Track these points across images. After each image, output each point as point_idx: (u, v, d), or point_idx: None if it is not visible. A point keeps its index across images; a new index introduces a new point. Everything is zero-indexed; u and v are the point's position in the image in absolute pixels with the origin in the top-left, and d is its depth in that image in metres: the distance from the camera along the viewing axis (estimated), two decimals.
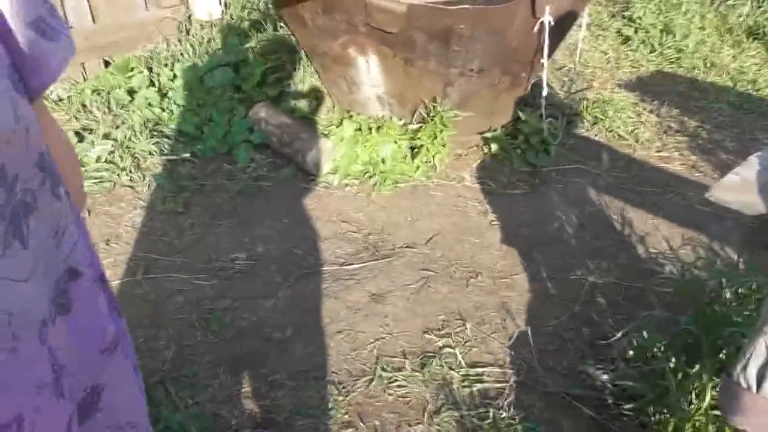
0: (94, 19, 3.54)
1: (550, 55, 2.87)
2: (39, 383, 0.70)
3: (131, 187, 2.78)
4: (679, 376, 1.58)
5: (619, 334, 1.87)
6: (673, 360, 1.60)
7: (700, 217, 2.69)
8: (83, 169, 2.81)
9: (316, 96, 3.33)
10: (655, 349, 1.69)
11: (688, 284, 1.73)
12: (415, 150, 2.96)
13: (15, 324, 0.64)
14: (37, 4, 0.69)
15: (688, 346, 1.62)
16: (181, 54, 3.64)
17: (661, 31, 4.32)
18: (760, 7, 4.59)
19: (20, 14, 0.66)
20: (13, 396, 0.67)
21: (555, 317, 2.18)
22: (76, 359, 0.79)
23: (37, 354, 0.69)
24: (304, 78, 3.36)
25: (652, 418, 1.65)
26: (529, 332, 2.09)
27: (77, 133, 3.02)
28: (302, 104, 3.26)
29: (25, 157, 0.65)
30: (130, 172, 2.83)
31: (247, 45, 3.60)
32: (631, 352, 1.88)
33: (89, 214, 2.60)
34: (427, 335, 2.08)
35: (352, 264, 2.42)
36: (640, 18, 4.44)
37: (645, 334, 1.75)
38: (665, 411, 1.59)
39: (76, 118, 3.20)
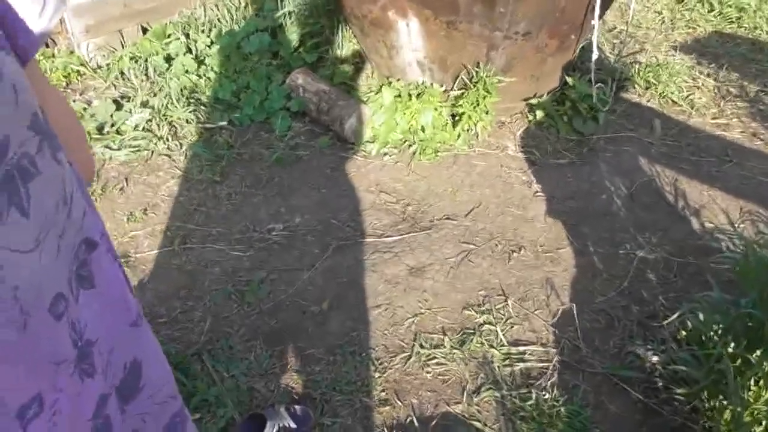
0: None
1: (601, 16, 2.71)
2: (57, 360, 0.66)
3: (168, 155, 2.76)
4: (738, 361, 1.48)
5: (675, 316, 1.77)
6: (732, 344, 1.50)
7: (760, 189, 2.53)
8: (121, 137, 2.80)
9: (354, 62, 3.24)
10: (711, 332, 1.58)
11: (750, 263, 1.61)
12: (457, 117, 2.86)
13: (23, 298, 0.60)
14: None
15: (749, 330, 1.51)
16: (218, 19, 3.57)
17: None
18: None
19: None
20: (29, 375, 0.63)
21: (602, 294, 2.08)
22: (108, 334, 0.76)
23: (51, 330, 0.65)
24: (343, 43, 3.27)
25: (706, 405, 1.56)
26: (575, 309, 2.00)
27: (115, 101, 3.00)
28: (340, 70, 3.17)
29: (15, 117, 0.60)
30: (168, 140, 2.81)
31: (285, 9, 3.51)
32: (683, 334, 1.78)
33: (127, 183, 2.59)
34: (467, 311, 2.02)
35: (391, 236, 2.36)
36: None
37: (701, 315, 1.65)
38: (721, 398, 1.50)
39: (114, 85, 3.19)
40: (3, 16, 0.64)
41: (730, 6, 3.93)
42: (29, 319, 0.61)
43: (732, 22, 3.87)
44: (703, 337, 1.64)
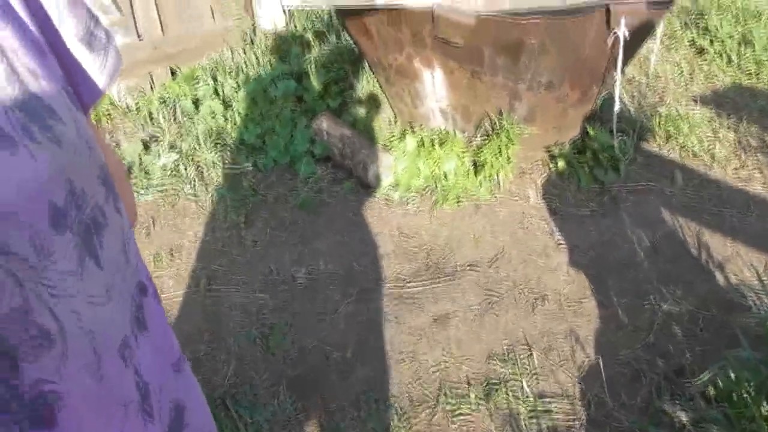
0: (162, 30, 3.61)
1: (623, 69, 2.75)
2: (125, 403, 0.68)
3: (195, 197, 2.80)
4: None
5: (705, 374, 1.75)
6: (765, 404, 1.48)
7: None
8: (149, 178, 2.85)
9: (377, 108, 3.29)
10: (743, 391, 1.57)
11: None
12: (479, 165, 2.89)
13: (97, 344, 0.62)
14: (85, 16, 0.68)
15: None
16: (245, 64, 3.67)
17: (739, 42, 4.10)
18: None
19: (70, 27, 0.66)
20: (103, 418, 0.65)
21: (627, 347, 2.07)
22: (158, 376, 0.78)
23: (120, 374, 0.67)
24: (366, 90, 3.34)
25: None
26: (601, 363, 1.99)
27: (144, 143, 3.07)
28: (364, 116, 3.23)
29: (89, 171, 0.64)
30: (194, 182, 2.86)
31: (310, 55, 3.60)
32: (713, 391, 1.76)
33: (154, 225, 2.63)
34: (491, 362, 2.01)
35: (413, 283, 2.36)
36: (716, 28, 4.23)
37: (732, 373, 1.63)
38: None
39: (143, 127, 3.26)
40: (73, 74, 0.68)
41: (749, 60, 3.98)
42: (103, 363, 0.63)
43: (751, 75, 3.91)
44: (734, 396, 1.62)
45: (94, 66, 0.70)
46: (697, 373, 1.88)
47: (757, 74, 3.89)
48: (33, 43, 0.61)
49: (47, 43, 0.64)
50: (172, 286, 2.32)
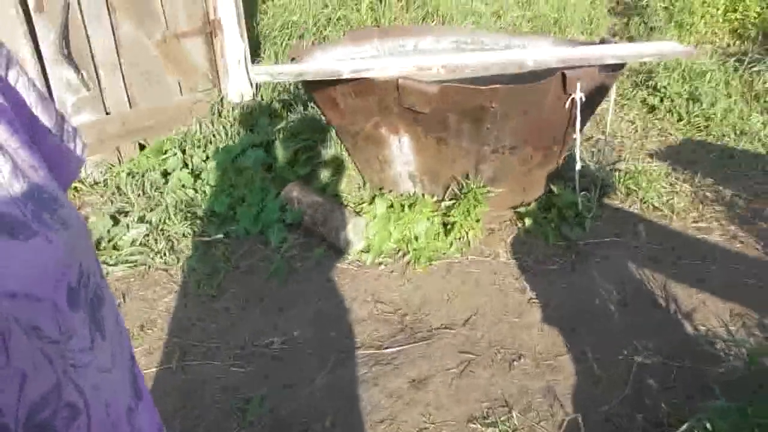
0: (131, 105, 3.65)
1: (581, 129, 2.88)
2: None
3: (165, 270, 2.78)
4: None
5: (684, 427, 1.77)
6: None
7: (746, 292, 2.60)
8: (118, 252, 2.82)
9: (346, 174, 3.35)
10: None
11: (752, 371, 1.64)
12: (449, 226, 2.94)
13: (112, 414, 0.65)
14: (54, 112, 0.74)
15: None
16: (214, 135, 3.71)
17: (687, 99, 4.33)
18: None
19: (44, 121, 0.72)
20: None
21: (605, 402, 2.08)
22: None
23: None
24: (335, 157, 3.40)
25: None
26: (580, 419, 1.99)
27: (112, 217, 3.05)
28: (333, 182, 3.28)
29: (89, 249, 0.68)
30: (165, 254, 2.84)
31: (278, 126, 3.67)
32: None
33: (124, 299, 2.59)
34: (472, 424, 2.00)
35: (390, 347, 2.36)
36: (665, 87, 4.46)
37: (708, 425, 1.66)
38: None
39: (111, 201, 3.25)
40: (51, 161, 0.72)
41: (698, 116, 4.19)
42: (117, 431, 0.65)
43: (701, 130, 4.11)
44: None
45: (69, 152, 0.76)
46: (675, 425, 1.89)
47: (707, 129, 4.09)
48: (25, 138, 0.66)
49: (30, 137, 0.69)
50: (144, 363, 2.27)
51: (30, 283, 0.55)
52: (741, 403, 1.68)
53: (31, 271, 0.56)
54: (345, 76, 2.63)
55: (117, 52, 3.52)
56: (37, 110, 0.71)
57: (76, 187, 3.32)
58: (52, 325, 0.57)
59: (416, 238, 2.91)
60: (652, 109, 4.40)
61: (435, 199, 3.03)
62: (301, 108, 3.89)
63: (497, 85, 2.55)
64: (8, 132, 0.63)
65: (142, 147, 3.69)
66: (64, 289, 0.60)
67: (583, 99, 2.67)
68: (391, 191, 3.10)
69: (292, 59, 3.14)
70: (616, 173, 3.48)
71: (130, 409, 0.71)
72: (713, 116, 4.15)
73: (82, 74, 3.39)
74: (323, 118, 3.44)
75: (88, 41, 3.39)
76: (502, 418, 2.02)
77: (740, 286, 2.65)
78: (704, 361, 2.21)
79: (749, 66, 4.74)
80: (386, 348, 2.36)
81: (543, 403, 2.09)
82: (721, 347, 2.25)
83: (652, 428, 1.97)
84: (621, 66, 2.90)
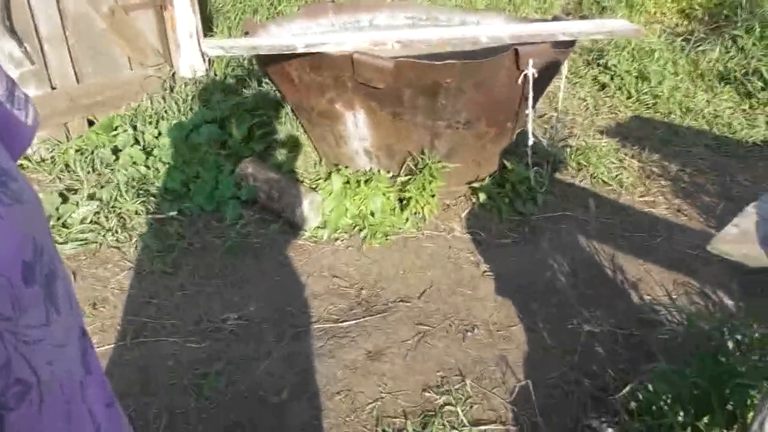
0: (78, 79, 3.54)
1: (534, 106, 2.92)
2: None
3: (117, 247, 2.73)
4: (689, 430, 1.55)
5: (626, 389, 1.85)
6: (681, 413, 1.58)
7: (689, 262, 2.71)
8: (68, 230, 2.76)
9: (302, 150, 3.34)
10: (661, 402, 1.67)
11: (691, 335, 1.72)
12: (404, 202, 2.97)
13: (66, 389, 0.65)
14: (4, 79, 0.72)
15: (696, 398, 1.60)
16: (166, 111, 3.64)
17: (636, 77, 4.44)
18: (728, 52, 4.74)
19: None
20: None
21: (555, 369, 2.15)
22: (103, 418, 0.79)
23: (82, 416, 0.69)
24: (290, 133, 3.38)
25: None
26: (530, 386, 2.06)
27: (61, 194, 2.97)
28: (289, 159, 3.26)
29: (43, 224, 0.67)
30: (116, 232, 2.79)
31: (232, 101, 3.62)
32: (634, 405, 1.86)
33: (75, 278, 2.54)
34: (426, 393, 2.04)
35: (347, 321, 2.38)
36: (614, 65, 4.56)
37: (650, 386, 1.73)
38: None
39: (59, 178, 3.17)
40: (2, 130, 0.70)
41: (646, 93, 4.30)
42: (71, 408, 0.66)
43: (649, 107, 4.22)
44: (654, 408, 1.71)
45: (18, 120, 0.73)
46: (621, 389, 1.98)
47: (654, 106, 4.21)
48: None
49: None
50: (97, 341, 2.24)
51: None
52: (680, 366, 1.76)
53: None
54: (299, 51, 2.60)
55: (62, 25, 3.40)
56: None
57: (21, 164, 3.21)
58: (5, 301, 0.57)
59: (372, 214, 2.93)
60: (603, 86, 4.49)
61: (391, 175, 3.05)
62: (256, 84, 3.84)
63: (452, 61, 2.57)
64: None
65: (90, 123, 3.59)
66: (18, 265, 0.59)
67: (536, 75, 2.71)
68: (347, 167, 3.11)
69: (246, 33, 3.10)
70: (568, 149, 3.56)
71: (81, 382, 0.70)
72: (660, 94, 4.27)
73: (25, 47, 3.27)
74: (278, 94, 3.41)
75: (31, 13, 3.27)
76: (456, 387, 2.07)
77: (683, 256, 2.76)
78: (648, 328, 2.30)
79: (695, 45, 4.88)
80: (343, 321, 2.38)
81: (496, 371, 2.15)
82: (664, 315, 2.35)
83: (599, 392, 2.05)
84: (572, 43, 2.95)
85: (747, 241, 1.34)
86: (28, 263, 0.60)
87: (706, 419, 1.52)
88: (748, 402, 1.50)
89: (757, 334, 1.73)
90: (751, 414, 1.40)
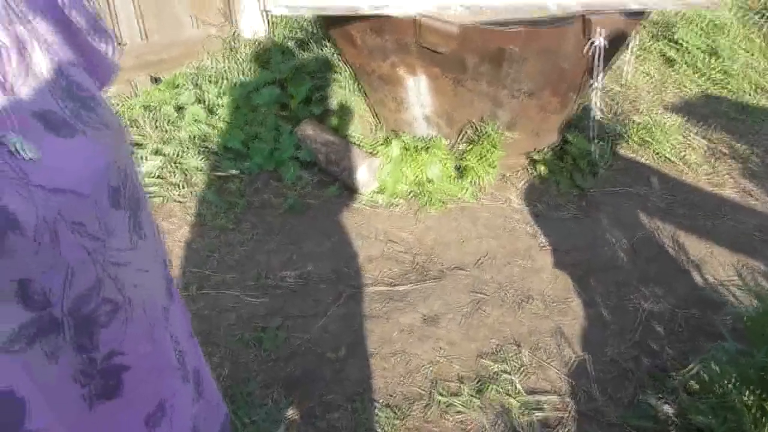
0: (143, 37, 3.60)
1: (601, 77, 2.85)
2: (172, 367, 0.74)
3: (181, 202, 2.80)
4: (754, 411, 1.53)
5: (689, 367, 1.82)
6: (747, 394, 1.55)
7: (755, 245, 2.63)
8: None
9: (361, 115, 3.34)
10: (726, 382, 1.64)
11: (761, 316, 1.68)
12: (462, 170, 2.95)
13: (149, 312, 0.68)
14: (87, 8, 0.73)
15: (763, 381, 1.57)
16: (227, 71, 3.67)
17: (706, 53, 4.26)
18: None
19: (79, 19, 0.70)
20: (156, 383, 0.71)
21: (612, 345, 2.13)
22: (185, 344, 0.83)
23: (165, 340, 0.73)
24: (350, 97, 3.38)
25: None
26: (588, 360, 2.05)
27: None
28: (348, 122, 3.27)
29: (127, 150, 0.69)
30: (181, 187, 2.86)
31: (292, 64, 3.63)
32: (694, 384, 1.83)
33: None
34: (482, 360, 2.05)
35: (402, 285, 2.40)
36: (683, 40, 4.38)
37: (715, 366, 1.70)
38: None
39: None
40: (88, 59, 0.72)
41: (716, 70, 4.13)
42: (154, 330, 0.69)
43: (718, 85, 4.06)
44: (717, 388, 1.69)
45: (101, 53, 0.74)
46: (679, 368, 1.95)
47: (724, 83, 4.04)
48: (65, 35, 0.65)
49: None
50: None
51: (74, 180, 0.56)
52: (748, 347, 1.72)
53: (75, 168, 0.56)
54: (363, 12, 2.59)
55: None
56: (70, 9, 0.69)
57: None
58: (94, 222, 0.58)
59: (430, 181, 2.92)
60: (670, 61, 4.33)
61: (449, 142, 3.03)
62: (316, 47, 3.84)
63: (518, 27, 2.51)
64: (47, 26, 0.62)
65: (155, 80, 3.66)
66: (105, 188, 0.60)
67: (606, 45, 2.63)
68: (405, 133, 3.10)
69: None
70: (631, 125, 3.46)
71: (165, 311, 0.73)
72: (731, 71, 4.10)
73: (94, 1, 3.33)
74: (339, 57, 3.40)
75: None
76: (511, 355, 2.07)
77: (750, 239, 2.68)
78: (711, 308, 2.25)
79: None
80: (398, 285, 2.40)
81: (551, 343, 2.14)
82: (729, 296, 2.29)
83: (657, 371, 2.02)
84: (644, 14, 2.84)
85: None
86: (115, 188, 0.62)
87: None
88: None
89: None
90: None
